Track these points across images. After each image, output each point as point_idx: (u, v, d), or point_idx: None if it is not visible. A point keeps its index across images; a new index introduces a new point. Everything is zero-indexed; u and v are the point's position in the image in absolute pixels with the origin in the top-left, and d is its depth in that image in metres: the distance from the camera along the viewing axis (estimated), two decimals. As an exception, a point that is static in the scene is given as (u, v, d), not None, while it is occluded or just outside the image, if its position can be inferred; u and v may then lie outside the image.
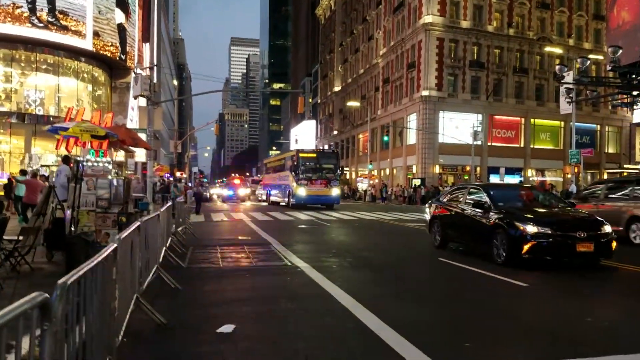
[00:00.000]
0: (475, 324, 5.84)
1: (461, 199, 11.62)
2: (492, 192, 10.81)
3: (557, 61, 45.33)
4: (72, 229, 8.30)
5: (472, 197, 11.32)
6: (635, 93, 21.62)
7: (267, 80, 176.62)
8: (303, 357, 4.58)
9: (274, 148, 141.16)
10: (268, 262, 10.32)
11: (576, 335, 5.37)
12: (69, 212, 8.71)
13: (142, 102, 26.19)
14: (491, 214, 9.98)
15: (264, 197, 42.15)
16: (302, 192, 29.80)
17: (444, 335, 5.41)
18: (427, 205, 13.87)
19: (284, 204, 33.62)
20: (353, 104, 63.76)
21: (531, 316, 6.24)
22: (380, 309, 6.21)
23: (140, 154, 29.73)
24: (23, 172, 18.60)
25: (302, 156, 31.06)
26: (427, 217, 13.17)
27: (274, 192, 37.60)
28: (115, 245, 3.52)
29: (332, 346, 4.90)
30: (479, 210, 10.42)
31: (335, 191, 30.76)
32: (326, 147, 74.46)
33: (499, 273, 8.74)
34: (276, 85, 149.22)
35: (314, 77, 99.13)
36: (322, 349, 4.80)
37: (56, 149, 19.96)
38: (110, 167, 11.76)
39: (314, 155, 32.41)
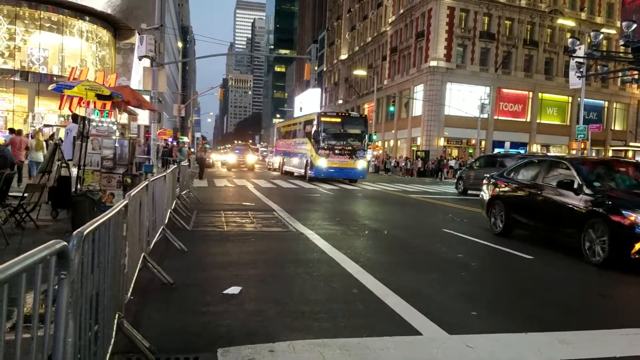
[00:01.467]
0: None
1: (537, 176, 9.31)
2: (583, 168, 8.48)
3: (568, 35, 44.63)
4: (78, 187, 8.27)
5: (553, 173, 9.04)
6: (647, 69, 21.27)
7: (272, 46, 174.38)
8: (309, 319, 4.59)
9: (278, 116, 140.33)
10: (272, 227, 10.33)
11: None
12: (75, 170, 8.67)
13: (146, 63, 25.92)
14: (583, 196, 7.82)
15: (276, 166, 38.65)
16: (322, 163, 25.24)
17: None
18: (484, 181, 11.25)
19: (299, 174, 29.43)
20: (359, 72, 63.04)
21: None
22: (385, 276, 6.23)
23: (143, 117, 29.59)
24: (11, 131, 18.28)
25: (324, 120, 26.06)
26: (485, 196, 10.86)
27: (288, 160, 32.77)
28: (126, 201, 3.49)
29: (338, 309, 4.91)
30: (565, 190, 8.21)
31: (361, 163, 26.13)
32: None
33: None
34: (282, 52, 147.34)
35: (320, 44, 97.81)
36: (328, 312, 4.81)
37: (59, 108, 19.82)
38: (114, 127, 11.71)
39: (339, 119, 26.78)
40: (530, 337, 4.35)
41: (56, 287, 1.67)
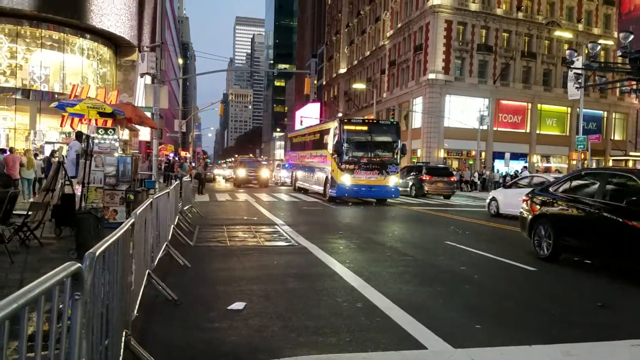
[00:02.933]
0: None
1: (595, 192, 7.97)
2: None
3: (566, 46, 44.84)
4: (83, 204, 8.32)
5: (615, 188, 7.87)
6: (645, 79, 21.39)
7: (271, 61, 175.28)
8: (314, 334, 4.60)
9: (278, 130, 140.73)
10: (275, 242, 10.35)
11: None
12: (79, 188, 8.72)
13: (148, 80, 26.07)
14: None
15: (285, 180, 36.64)
16: (346, 180, 20.88)
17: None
18: (524, 197, 10.09)
19: (316, 192, 25.13)
20: (358, 86, 63.32)
21: None
22: (387, 289, 6.24)
23: (144, 133, 29.73)
24: (2, 151, 18.24)
25: (347, 129, 21.40)
26: (525, 214, 9.60)
27: (302, 175, 28.36)
28: (133, 220, 3.53)
29: (342, 324, 4.93)
30: (634, 210, 6.93)
31: (392, 180, 21.58)
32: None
33: None
34: (281, 66, 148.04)
35: (319, 59, 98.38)
36: (332, 327, 4.83)
37: (61, 126, 19.94)
38: (117, 144, 11.79)
39: (365, 127, 22.24)
40: (534, 349, 4.36)
41: (61, 306, 1.70)
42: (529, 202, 9.63)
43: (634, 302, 6.30)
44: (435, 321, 5.07)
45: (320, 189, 23.87)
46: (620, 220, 7.11)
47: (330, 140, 22.56)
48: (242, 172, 33.57)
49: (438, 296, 6.26)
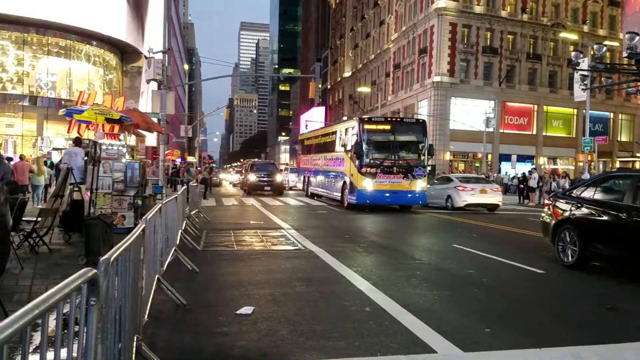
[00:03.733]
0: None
1: (625, 195, 7.51)
2: None
3: (572, 48, 44.73)
4: (91, 210, 8.38)
5: None
6: (651, 80, 21.30)
7: (276, 66, 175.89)
8: (323, 338, 4.62)
9: (283, 134, 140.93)
10: (281, 246, 10.37)
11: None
12: (88, 194, 8.78)
13: (153, 86, 26.19)
14: None
15: (294, 185, 34.91)
16: (367, 185, 18.86)
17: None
18: (547, 201, 9.82)
19: (332, 199, 22.89)
20: (363, 89, 63.42)
21: None
22: (397, 295, 6.25)
23: (150, 139, 29.86)
24: (8, 159, 18.25)
25: (368, 128, 19.38)
26: (548, 219, 9.13)
27: (316, 180, 26.00)
28: (143, 225, 3.56)
29: (350, 328, 4.94)
30: None
31: (420, 184, 19.33)
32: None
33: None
34: (286, 71, 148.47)
35: (324, 63, 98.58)
36: (341, 331, 4.84)
37: (68, 132, 20.06)
38: (124, 150, 11.86)
39: (387, 126, 20.06)
40: (544, 352, 4.36)
41: (65, 313, 1.72)
42: (551, 206, 9.17)
43: (644, 304, 6.28)
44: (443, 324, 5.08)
45: (337, 195, 21.81)
46: None
47: (348, 141, 20.41)
48: (252, 177, 29.03)
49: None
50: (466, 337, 4.74)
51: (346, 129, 21.55)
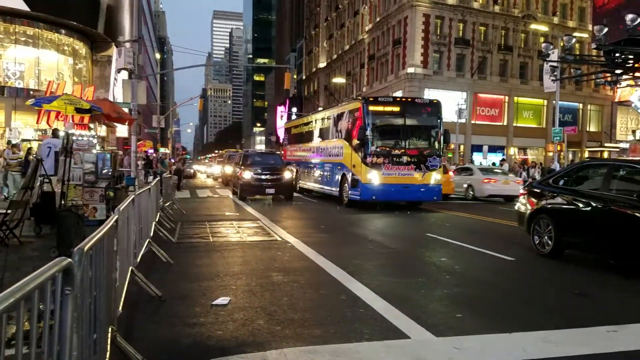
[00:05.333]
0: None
1: (600, 184, 7.62)
2: None
3: (542, 39, 45.48)
4: (62, 202, 8.23)
5: (622, 180, 7.57)
6: (618, 71, 21.85)
7: (250, 55, 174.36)
8: (299, 326, 4.65)
9: (259, 125, 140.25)
10: (258, 237, 10.37)
11: None
12: (58, 186, 8.63)
13: (124, 75, 25.76)
14: None
15: None
16: (374, 178, 16.06)
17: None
18: (521, 191, 9.87)
19: (328, 195, 19.72)
20: (338, 80, 63.43)
21: None
22: (372, 283, 6.32)
23: (122, 129, 29.38)
24: None
25: (373, 110, 16.55)
26: (523, 209, 9.10)
27: (307, 174, 22.90)
28: (116, 216, 3.53)
29: (327, 316, 4.99)
30: None
31: (434, 177, 16.66)
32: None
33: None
34: (260, 61, 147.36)
35: (298, 53, 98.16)
36: (317, 319, 4.88)
37: (37, 123, 19.60)
38: (95, 141, 11.67)
39: (397, 107, 17.37)
40: (514, 336, 4.48)
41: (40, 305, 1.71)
42: (526, 195, 9.16)
43: (610, 290, 6.48)
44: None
45: (334, 190, 18.80)
46: (630, 213, 6.80)
47: (349, 127, 17.68)
48: (247, 175, 19.49)
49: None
50: (439, 322, 4.84)
51: (346, 113, 18.41)
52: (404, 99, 19.53)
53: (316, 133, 22.36)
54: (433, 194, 16.73)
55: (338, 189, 18.25)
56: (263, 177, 19.38)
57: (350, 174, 16.97)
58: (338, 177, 18.33)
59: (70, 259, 1.79)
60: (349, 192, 17.13)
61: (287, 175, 19.88)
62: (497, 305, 5.61)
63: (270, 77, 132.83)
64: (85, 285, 2.03)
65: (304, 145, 23.95)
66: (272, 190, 19.13)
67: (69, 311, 1.73)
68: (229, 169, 28.50)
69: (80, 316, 1.89)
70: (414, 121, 17.17)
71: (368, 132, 16.07)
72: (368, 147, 16.09)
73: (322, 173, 20.44)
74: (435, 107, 17.50)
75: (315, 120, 23.07)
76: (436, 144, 17.18)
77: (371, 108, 16.49)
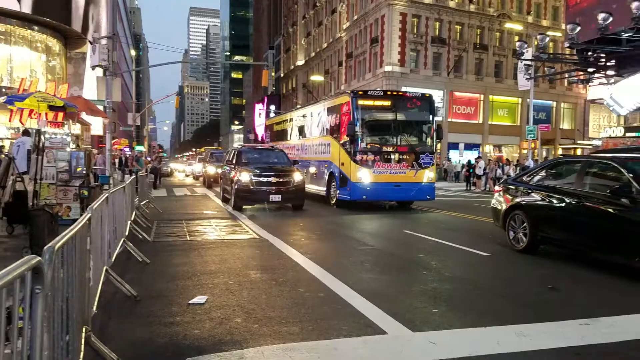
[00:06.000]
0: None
1: (573, 180, 7.72)
2: (638, 170, 6.84)
3: (516, 38, 46.09)
4: (35, 201, 8.07)
5: (595, 176, 7.60)
6: (591, 70, 22.26)
7: (228, 53, 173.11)
8: (277, 324, 4.65)
9: (236, 122, 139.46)
10: (235, 235, 10.31)
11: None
12: (31, 185, 8.46)
13: (99, 72, 25.32)
14: None
15: None
16: (364, 176, 15.27)
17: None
18: (497, 187, 9.81)
19: (315, 193, 18.26)
20: (316, 78, 63.40)
21: None
22: (348, 278, 6.35)
23: (96, 127, 28.95)
24: None
25: (363, 104, 15.83)
26: (498, 206, 9.15)
27: None
28: (89, 214, 3.47)
29: (305, 313, 4.99)
30: (618, 199, 6.68)
31: (427, 175, 15.93)
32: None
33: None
34: (237, 58, 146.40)
35: (276, 51, 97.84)
36: (295, 317, 4.88)
37: (9, 120, 19.17)
38: (68, 139, 11.47)
39: (387, 101, 16.49)
40: (489, 330, 4.54)
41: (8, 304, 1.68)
42: (501, 192, 9.21)
43: (582, 284, 6.61)
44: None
45: (321, 190, 17.79)
46: (604, 209, 6.94)
47: (337, 122, 16.82)
48: (245, 177, 15.08)
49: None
50: (415, 318, 4.89)
51: (334, 107, 17.44)
52: (395, 93, 18.02)
53: (301, 130, 21.42)
54: (426, 192, 16.00)
55: (325, 188, 17.37)
56: (266, 179, 15.05)
57: (339, 172, 16.10)
58: (325, 175, 17.40)
59: (39, 258, 1.76)
60: (338, 191, 16.23)
61: (298, 177, 15.45)
62: (472, 300, 5.68)
63: (248, 75, 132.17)
64: (56, 284, 2.00)
65: (288, 143, 22.66)
66: (277, 197, 14.88)
67: (39, 310, 1.70)
68: (211, 169, 26.01)
69: (51, 315, 1.86)
70: (405, 116, 16.50)
71: (358, 128, 15.30)
72: (358, 143, 15.32)
73: (307, 172, 18.92)
74: (428, 101, 16.76)
75: (300, 117, 21.92)
76: (429, 140, 16.39)
77: (361, 102, 15.75)
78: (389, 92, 17.70)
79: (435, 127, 16.42)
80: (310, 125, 20.11)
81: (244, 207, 15.31)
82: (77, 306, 2.84)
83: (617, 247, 6.80)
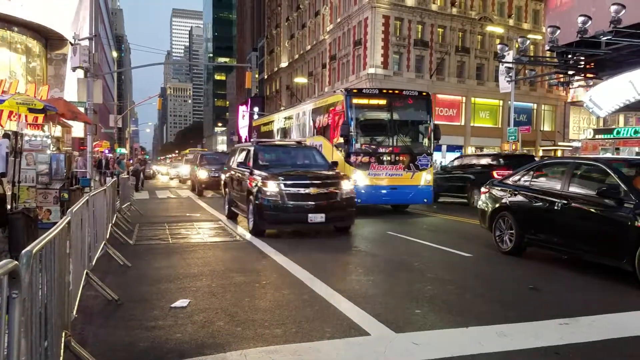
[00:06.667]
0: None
1: (559, 182, 7.65)
2: (624, 172, 6.94)
3: (498, 41, 46.59)
4: (14, 204, 7.95)
5: (582, 178, 7.56)
6: (571, 72, 22.61)
7: (211, 54, 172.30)
8: (260, 327, 4.63)
9: (220, 124, 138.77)
10: (219, 237, 10.26)
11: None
12: (9, 187, 8.32)
13: (80, 74, 25.02)
14: (629, 206, 6.37)
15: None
16: (359, 179, 14.31)
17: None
18: (483, 189, 9.53)
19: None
20: (300, 80, 63.42)
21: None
22: (333, 282, 6.35)
23: (77, 129, 28.57)
24: None
25: (357, 103, 15.08)
26: (485, 207, 9.16)
27: None
28: (69, 218, 3.43)
29: (288, 316, 4.98)
30: (605, 200, 6.69)
31: (425, 177, 15.28)
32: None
33: None
34: (221, 60, 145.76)
35: (260, 52, 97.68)
36: (279, 319, 4.87)
37: (-12, 123, 18.86)
38: (49, 141, 11.33)
39: (383, 100, 15.64)
40: (471, 331, 4.58)
41: None
42: (488, 194, 9.14)
43: (562, 284, 6.70)
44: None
45: None
46: (591, 211, 6.98)
47: (329, 122, 16.03)
48: (273, 187, 10.25)
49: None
50: (398, 319, 4.91)
51: (326, 107, 16.62)
52: (391, 91, 16.68)
53: (290, 131, 20.47)
54: (423, 195, 15.30)
55: None
56: (303, 190, 10.44)
57: None
58: None
59: (16, 262, 1.74)
60: None
61: (346, 186, 11.04)
62: (454, 301, 5.71)
63: (231, 77, 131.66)
64: (34, 288, 1.97)
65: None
66: (320, 217, 10.38)
67: (16, 315, 1.67)
68: (203, 173, 23.12)
69: (29, 320, 1.83)
70: (402, 115, 15.84)
71: (352, 128, 14.49)
72: (352, 144, 14.49)
73: None
74: (425, 100, 16.02)
75: (290, 117, 20.99)
76: (426, 140, 15.78)
77: (355, 101, 14.96)
78: (384, 90, 16.38)
79: (433, 127, 15.80)
80: (300, 126, 19.22)
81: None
82: (57, 311, 2.80)
83: (605, 248, 6.80)
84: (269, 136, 23.37)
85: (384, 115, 15.37)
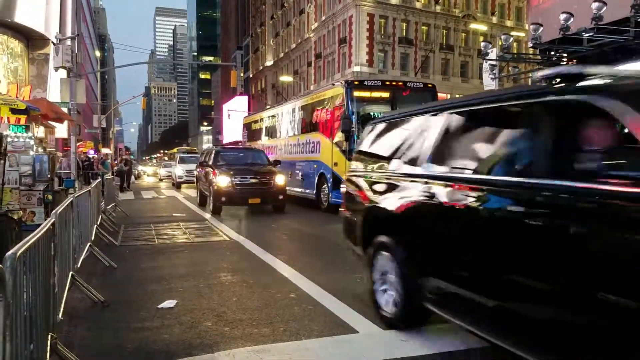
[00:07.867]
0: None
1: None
2: None
3: (481, 38, 46.99)
4: (-4, 207, 7.85)
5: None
6: (553, 70, 22.75)
7: (195, 53, 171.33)
8: (248, 326, 4.63)
9: (205, 124, 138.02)
10: (205, 237, 10.22)
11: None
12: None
13: (63, 74, 24.76)
14: None
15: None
16: None
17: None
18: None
19: (302, 197, 16.83)
20: (285, 79, 63.36)
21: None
22: (319, 278, 6.37)
23: (61, 130, 28.25)
24: None
25: (358, 96, 14.14)
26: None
27: None
28: (53, 219, 3.40)
29: (276, 314, 4.98)
30: None
31: None
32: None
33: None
34: (205, 58, 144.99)
35: (245, 51, 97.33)
36: (267, 318, 4.87)
37: (-32, 124, 18.57)
38: (32, 142, 11.22)
39: (386, 93, 14.62)
40: (455, 326, 4.61)
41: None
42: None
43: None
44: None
45: (308, 193, 16.21)
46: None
47: (328, 117, 15.18)
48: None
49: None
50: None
51: (324, 101, 15.80)
52: (394, 83, 15.81)
53: (284, 127, 19.40)
54: None
55: (315, 191, 15.59)
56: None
57: (331, 173, 14.39)
58: (315, 177, 15.62)
59: (0, 265, 1.72)
60: (330, 194, 14.41)
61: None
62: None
63: (216, 75, 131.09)
64: (19, 291, 1.95)
65: (269, 142, 20.87)
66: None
67: (0, 319, 1.65)
68: (224, 180, 15.61)
69: (14, 324, 1.81)
70: (405, 106, 14.08)
71: (354, 123, 13.41)
72: (353, 140, 13.14)
73: (293, 173, 17.25)
74: (430, 92, 15.09)
75: (283, 113, 19.86)
76: None
77: (356, 94, 14.03)
78: (387, 82, 15.39)
79: None
80: (295, 122, 18.30)
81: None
82: (42, 313, 2.77)
83: None
84: (260, 134, 22.64)
85: (387, 109, 13.80)
